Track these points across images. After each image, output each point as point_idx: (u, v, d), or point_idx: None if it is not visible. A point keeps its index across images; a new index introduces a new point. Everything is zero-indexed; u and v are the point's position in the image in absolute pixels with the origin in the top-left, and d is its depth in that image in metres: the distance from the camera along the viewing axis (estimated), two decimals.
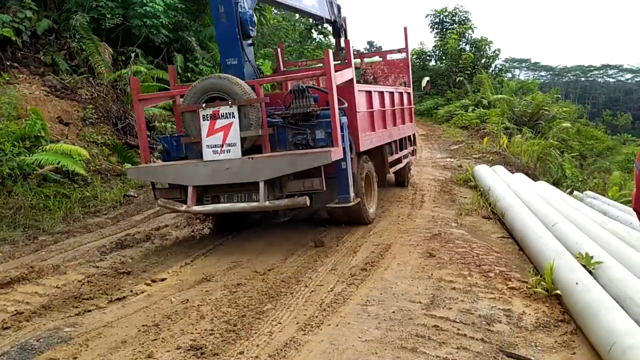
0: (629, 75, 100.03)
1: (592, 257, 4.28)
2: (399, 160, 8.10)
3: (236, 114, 5.24)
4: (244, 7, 5.72)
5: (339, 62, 8.06)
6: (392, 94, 8.00)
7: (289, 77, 6.45)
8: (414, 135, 9.69)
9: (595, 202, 8.50)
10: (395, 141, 7.96)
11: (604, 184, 9.94)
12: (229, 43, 5.71)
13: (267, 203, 5.18)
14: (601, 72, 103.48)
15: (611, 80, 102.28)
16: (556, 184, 10.94)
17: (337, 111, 5.30)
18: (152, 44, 12.81)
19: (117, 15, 12.05)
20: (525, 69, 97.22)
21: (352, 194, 5.56)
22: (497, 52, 26.22)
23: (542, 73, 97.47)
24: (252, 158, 5.22)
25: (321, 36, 43.20)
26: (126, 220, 6.89)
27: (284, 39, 36.87)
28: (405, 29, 9.80)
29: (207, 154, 5.34)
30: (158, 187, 5.81)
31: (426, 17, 27.15)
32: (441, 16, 26.70)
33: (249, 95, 5.28)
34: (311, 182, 5.18)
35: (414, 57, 27.01)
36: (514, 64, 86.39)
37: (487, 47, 25.92)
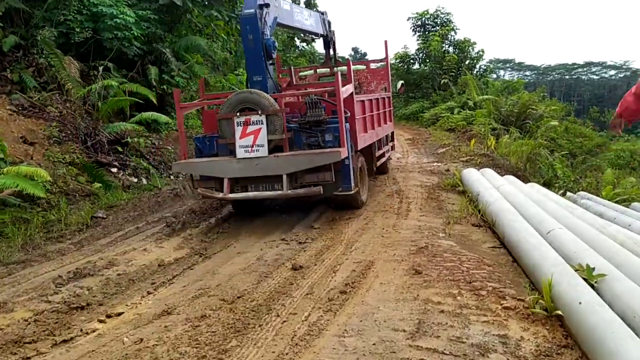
0: (612, 72, 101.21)
1: (593, 269, 3.87)
2: (382, 155, 9.87)
3: (264, 121, 6.58)
4: (267, 34, 6.96)
5: (328, 70, 10.40)
6: (377, 100, 9.39)
7: (305, 92, 7.56)
8: (392, 132, 11.40)
9: (589, 203, 8.13)
10: (380, 139, 9.53)
11: (597, 183, 9.61)
12: (256, 63, 7.01)
13: (289, 192, 6.47)
14: (585, 69, 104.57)
15: (595, 77, 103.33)
16: (547, 184, 10.58)
17: (344, 119, 6.69)
18: (125, 56, 12.35)
19: (87, 29, 11.59)
20: (509, 69, 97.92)
21: (353, 184, 6.99)
22: (481, 53, 26.04)
23: (527, 73, 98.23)
24: (277, 156, 6.57)
25: (304, 44, 43.08)
26: (91, 245, 6.39)
27: None
28: (385, 42, 11.09)
29: (240, 153, 6.64)
30: (196, 179, 7.18)
31: (408, 20, 26.97)
32: (423, 19, 26.49)
33: (274, 106, 6.65)
34: (323, 175, 6.51)
35: (397, 60, 26.77)
36: (499, 65, 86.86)
37: (470, 48, 25.73)
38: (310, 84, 9.93)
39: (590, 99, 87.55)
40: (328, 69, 10.61)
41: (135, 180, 9.56)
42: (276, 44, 7.30)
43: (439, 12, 26.21)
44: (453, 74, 23.74)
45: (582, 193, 8.96)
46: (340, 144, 6.64)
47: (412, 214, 7.17)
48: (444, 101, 22.33)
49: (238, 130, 6.63)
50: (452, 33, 25.80)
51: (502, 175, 9.97)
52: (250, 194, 6.71)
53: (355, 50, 75.08)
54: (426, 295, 4.01)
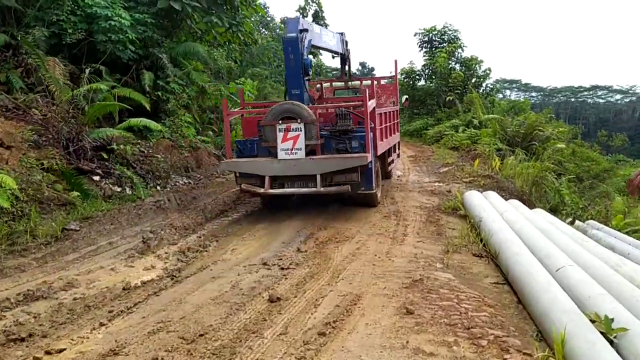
0: (618, 96, 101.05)
1: (612, 321, 3.32)
2: (392, 161, 11.13)
3: (302, 129, 7.65)
4: (305, 55, 8.06)
5: (343, 84, 11.70)
6: (391, 112, 10.65)
7: (336, 105, 8.63)
8: (399, 142, 12.70)
9: (600, 234, 7.55)
10: (391, 147, 10.71)
11: (606, 212, 9.05)
12: (295, 79, 8.10)
13: (322, 189, 7.55)
14: (591, 92, 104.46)
15: (601, 101, 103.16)
16: (554, 210, 10.01)
17: (369, 129, 7.89)
18: (119, 60, 11.91)
19: (80, 30, 11.16)
20: (516, 89, 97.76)
21: (374, 185, 8.29)
22: (488, 72, 25.55)
23: (533, 94, 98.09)
24: (313, 159, 7.62)
25: (310, 56, 42.79)
26: (55, 261, 5.85)
27: (273, 59, 36.45)
28: (395, 61, 12.78)
29: (281, 155, 7.68)
30: (239, 176, 8.05)
31: (415, 35, 26.55)
32: (430, 35, 26.07)
33: (311, 116, 7.69)
34: (351, 176, 7.61)
35: (403, 76, 26.34)
36: (505, 85, 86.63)
37: (477, 66, 25.26)
38: (339, 98, 11.22)
39: (595, 122, 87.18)
40: (343, 83, 11.81)
41: (119, 189, 9.04)
42: (312, 63, 8.59)
43: (446, 29, 25.81)
44: (459, 91, 23.26)
45: (591, 222, 8.40)
46: (366, 150, 7.82)
47: (408, 239, 6.62)
48: (449, 119, 21.83)
49: (280, 136, 7.69)
50: (459, 50, 25.38)
51: (506, 199, 9.43)
52: (288, 190, 7.83)
53: (362, 65, 75.05)
54: (417, 343, 3.45)
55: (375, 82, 11.98)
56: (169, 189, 9.91)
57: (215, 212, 8.55)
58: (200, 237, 6.99)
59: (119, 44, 11.46)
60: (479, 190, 9.92)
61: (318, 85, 11.99)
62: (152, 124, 9.97)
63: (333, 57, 11.52)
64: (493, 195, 8.85)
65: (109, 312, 4.27)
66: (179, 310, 4.24)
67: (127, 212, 7.87)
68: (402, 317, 3.91)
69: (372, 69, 78.48)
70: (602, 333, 3.21)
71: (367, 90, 8.38)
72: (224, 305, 4.29)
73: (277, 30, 42.39)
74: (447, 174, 12.54)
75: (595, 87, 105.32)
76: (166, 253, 6.21)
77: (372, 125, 8.19)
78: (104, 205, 8.16)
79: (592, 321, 3.37)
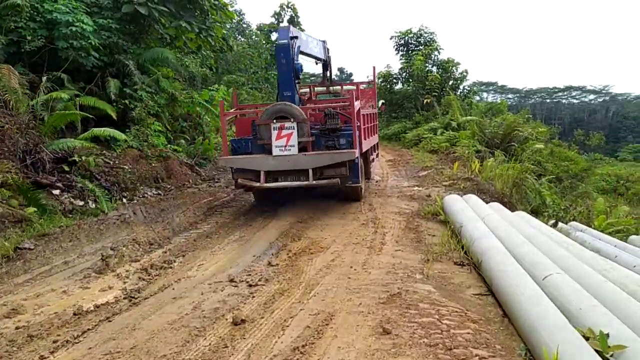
0: (592, 96, 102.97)
1: (608, 336, 3.00)
2: (372, 160, 11.67)
3: (295, 127, 8.15)
4: (295, 59, 8.61)
5: (324, 89, 12.15)
6: (371, 114, 11.45)
7: (325, 106, 9.23)
8: (377, 143, 13.14)
9: (585, 236, 7.31)
10: (371, 146, 11.22)
11: (588, 212, 8.85)
12: (287, 82, 8.64)
13: (313, 182, 8.17)
14: (565, 93, 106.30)
15: (575, 101, 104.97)
16: (535, 212, 9.79)
17: (356, 127, 8.52)
18: (83, 68, 11.40)
19: (40, 37, 10.62)
20: (492, 92, 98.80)
21: (360, 179, 8.90)
22: (465, 74, 25.52)
23: (509, 95, 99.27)
24: (305, 154, 8.20)
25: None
26: (4, 283, 5.35)
27: (249, 66, 36.07)
28: (374, 67, 14.69)
29: (275, 151, 8.16)
30: (235, 172, 8.70)
31: (391, 39, 26.42)
32: (406, 38, 25.96)
33: (303, 116, 8.22)
34: (340, 170, 8.26)
35: (380, 80, 26.17)
36: (482, 87, 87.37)
37: (454, 68, 25.20)
38: (326, 100, 11.72)
39: (570, 122, 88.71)
40: (324, 88, 12.24)
41: (81, 203, 8.52)
42: (303, 67, 9.23)
43: (422, 31, 25.73)
44: (436, 94, 23.14)
45: (574, 224, 8.17)
46: (353, 146, 8.41)
47: (386, 248, 6.27)
48: (427, 122, 21.67)
49: (274, 134, 8.19)
50: (436, 53, 25.30)
51: (487, 202, 9.18)
52: (282, 184, 8.38)
53: (340, 70, 75.22)
54: None
55: (355, 87, 12.51)
56: (136, 201, 9.41)
57: (184, 224, 8.10)
58: (165, 253, 6.54)
59: (82, 51, 10.95)
60: (459, 194, 9.65)
61: (305, 90, 12.35)
62: (116, 133, 9.49)
63: (316, 63, 11.02)
64: (473, 198, 8.58)
65: (53, 342, 3.82)
66: (131, 338, 3.81)
67: (87, 228, 7.37)
68: (379, 338, 3.55)
69: (351, 74, 78.71)
70: (597, 352, 2.89)
71: (353, 92, 9.45)
72: (182, 331, 3.88)
73: (254, 37, 42.04)
74: (427, 177, 12.26)
75: (569, 88, 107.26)
76: (127, 271, 5.75)
77: (358, 124, 8.78)
78: (64, 220, 7.64)
79: (586, 337, 3.05)
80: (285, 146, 8.22)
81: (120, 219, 7.90)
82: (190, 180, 12.16)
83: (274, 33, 41.67)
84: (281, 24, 9.22)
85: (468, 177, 11.61)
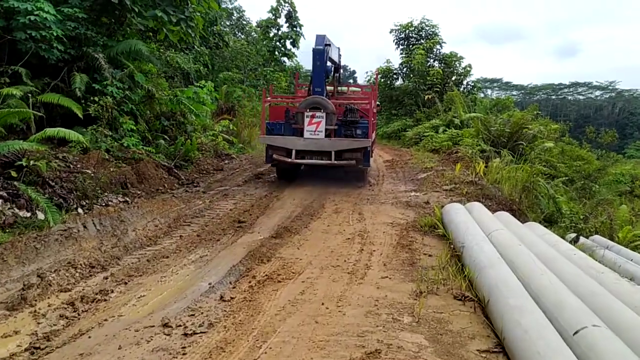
0: (598, 92, 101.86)
1: None
2: (372, 150, 12.22)
3: (324, 117, 10.03)
4: (326, 62, 10.83)
5: (333, 88, 12.79)
6: (375, 111, 13.05)
7: (347, 102, 10.96)
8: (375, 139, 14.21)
9: (614, 256, 6.14)
10: (373, 139, 12.22)
11: (611, 222, 7.70)
12: (319, 80, 10.61)
13: (335, 162, 10.05)
14: (571, 89, 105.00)
15: (581, 97, 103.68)
16: (549, 221, 8.64)
17: (371, 122, 10.69)
18: (48, 62, 10.31)
19: None
20: (497, 88, 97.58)
21: (369, 162, 10.93)
22: (468, 69, 24.30)
23: (514, 92, 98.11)
24: (330, 139, 10.08)
25: (285, 58, 41.51)
26: None
27: (247, 62, 34.98)
28: (376, 71, 18.65)
29: (306, 135, 10.06)
30: (271, 148, 10.47)
31: (391, 32, 25.21)
32: (407, 31, 24.74)
33: (332, 108, 10.15)
34: (356, 154, 10.12)
35: (380, 76, 25.02)
36: (486, 84, 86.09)
37: (457, 63, 24.01)
38: (348, 97, 13.15)
39: (576, 119, 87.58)
40: (332, 87, 13.05)
41: (27, 215, 7.41)
42: (331, 69, 11.86)
43: (423, 24, 24.50)
44: (438, 89, 21.95)
45: (596, 237, 7.01)
46: (368, 136, 10.27)
47: (371, 274, 5.14)
48: (429, 119, 20.51)
49: (306, 120, 10.05)
50: (438, 46, 24.09)
51: (493, 210, 8.05)
52: (308, 161, 10.32)
53: (344, 68, 74.18)
54: None
55: (359, 89, 15.37)
56: (95, 211, 8.30)
57: (141, 240, 6.99)
58: (106, 279, 5.42)
59: (43, 43, 9.87)
60: (461, 201, 8.50)
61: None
62: (71, 133, 8.35)
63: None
64: (478, 207, 7.43)
65: None
66: None
67: (22, 246, 6.24)
68: None
69: (354, 72, 77.90)
70: None
71: (370, 94, 12.49)
72: None
73: (253, 34, 40.95)
74: (426, 181, 11.11)
75: (575, 84, 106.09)
76: (48, 306, 4.64)
77: (373, 120, 11.12)
78: (1, 236, 6.54)
79: None
80: (315, 131, 10.10)
81: (65, 234, 6.77)
82: (166, 185, 11.03)
83: (271, 28, 40.61)
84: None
85: (472, 180, 10.46)
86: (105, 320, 4.26)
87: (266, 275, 5.20)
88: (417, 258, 5.72)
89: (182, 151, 13.35)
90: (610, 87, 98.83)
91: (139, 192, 10.02)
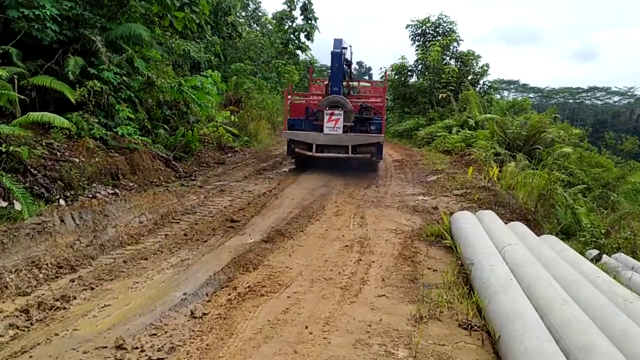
0: (616, 98, 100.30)
1: None
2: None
3: (342, 114, 10.97)
4: (343, 64, 11.98)
5: (345, 84, 13.05)
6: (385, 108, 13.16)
7: (362, 101, 11.85)
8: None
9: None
10: None
11: (634, 237, 7.02)
12: (337, 80, 11.63)
13: (351, 155, 11.00)
14: (589, 94, 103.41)
15: (599, 102, 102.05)
16: (566, 233, 7.97)
17: (384, 119, 11.83)
18: (42, 43, 9.80)
19: None
20: (514, 90, 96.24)
21: (382, 156, 12.03)
22: (486, 68, 23.45)
23: (531, 95, 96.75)
24: (348, 134, 11.04)
25: (299, 51, 40.91)
26: None
27: (260, 54, 34.45)
28: (385, 71, 21.30)
29: (326, 130, 11.00)
30: (293, 142, 11.46)
31: (407, 28, 24.46)
32: (423, 27, 23.98)
33: (350, 107, 11.13)
34: (371, 149, 11.09)
35: (393, 72, 24.31)
36: (503, 86, 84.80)
37: (474, 62, 23.20)
38: (361, 95, 14.15)
39: (593, 124, 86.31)
40: (345, 83, 13.68)
41: (4, 204, 6.92)
42: (348, 71, 13.35)
43: (441, 20, 23.71)
44: (453, 88, 21.18)
45: (620, 256, 6.35)
46: (381, 132, 11.20)
47: (367, 290, 4.54)
48: (442, 119, 19.78)
49: (326, 117, 10.89)
50: (455, 44, 23.29)
51: (507, 219, 7.42)
52: (327, 154, 11.03)
53: (359, 64, 73.82)
54: None
55: (369, 84, 16.51)
56: (79, 202, 7.78)
57: (122, 237, 6.45)
58: (72, 282, 4.88)
59: (37, 22, 9.37)
60: (471, 209, 7.87)
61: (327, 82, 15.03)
62: (56, 118, 7.81)
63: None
64: (490, 216, 6.78)
65: None
66: None
67: None
68: None
69: (370, 68, 77.29)
70: None
71: (383, 93, 13.10)
72: None
73: (268, 26, 40.42)
74: (436, 184, 10.46)
75: (593, 89, 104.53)
76: (0, 312, 4.11)
77: (385, 117, 12.30)
78: None
79: None
80: (334, 127, 10.99)
81: (38, 229, 6.24)
82: (161, 178, 10.51)
83: (286, 20, 40.01)
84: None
85: (484, 185, 9.81)
86: (57, 334, 3.72)
87: (249, 286, 4.62)
88: (420, 273, 5.11)
89: (182, 142, 12.83)
90: (629, 93, 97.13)
91: (130, 184, 9.51)
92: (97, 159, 9.28)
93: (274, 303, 4.22)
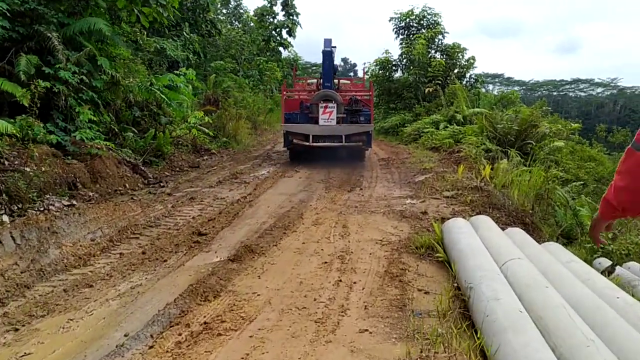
0: (599, 89, 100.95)
1: None
2: None
3: (335, 107, 12.02)
4: (334, 62, 13.46)
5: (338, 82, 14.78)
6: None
7: (352, 94, 13.02)
8: None
9: None
10: None
11: None
12: (328, 77, 12.94)
13: (345, 143, 12.00)
14: (573, 86, 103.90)
15: (582, 94, 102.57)
16: (567, 237, 7.29)
17: (372, 111, 13.00)
18: None
19: None
20: (498, 84, 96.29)
21: (371, 145, 12.97)
22: (472, 61, 22.82)
23: (516, 88, 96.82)
24: (340, 125, 12.08)
25: (281, 47, 40.01)
26: None
27: (241, 52, 33.56)
28: (364, 69, 23.24)
29: (321, 122, 12.04)
30: (291, 134, 12.35)
31: (390, 21, 23.72)
32: (407, 20, 23.27)
33: (341, 100, 12.24)
34: (362, 137, 12.20)
35: (377, 67, 23.59)
36: (487, 79, 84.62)
37: (460, 55, 22.55)
38: (351, 90, 14.74)
39: (577, 115, 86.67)
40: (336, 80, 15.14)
41: None
42: (338, 68, 14.73)
43: (425, 13, 23.01)
44: (439, 82, 20.50)
45: (631, 265, 5.67)
46: (370, 122, 12.44)
47: (346, 324, 3.79)
48: (429, 114, 19.10)
49: (321, 110, 11.98)
50: (440, 37, 22.62)
51: (502, 224, 6.75)
52: (323, 144, 12.05)
53: (344, 60, 73.42)
54: None
55: (349, 82, 17.04)
56: (25, 218, 6.92)
57: (69, 259, 5.63)
58: None
59: None
60: (464, 214, 7.16)
61: (310, 81, 16.68)
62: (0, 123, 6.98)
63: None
64: (485, 222, 6.06)
65: None
66: None
67: None
68: None
69: (355, 65, 76.99)
70: None
71: (372, 87, 14.67)
72: None
73: (251, 24, 39.59)
74: (424, 185, 9.74)
75: (577, 81, 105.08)
76: None
77: (371, 108, 12.87)
78: None
79: None
80: (328, 119, 11.96)
81: None
82: (127, 185, 9.67)
83: (267, 16, 39.09)
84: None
85: (477, 185, 9.10)
86: None
87: (205, 322, 3.84)
88: (409, 297, 4.37)
89: (153, 145, 11.98)
90: (612, 84, 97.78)
91: (90, 194, 8.65)
92: (51, 167, 8.42)
93: (233, 346, 3.45)
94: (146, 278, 4.99)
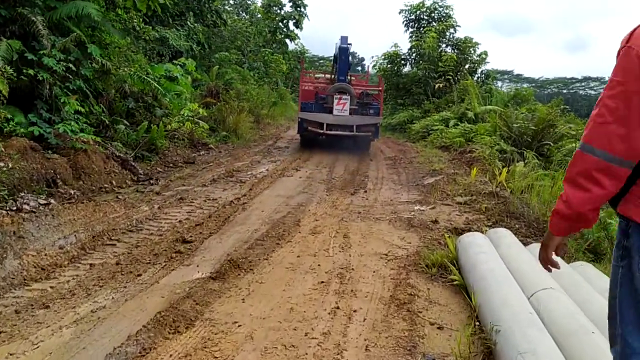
0: None
1: None
2: None
3: (349, 99, 13.12)
4: (348, 57, 14.38)
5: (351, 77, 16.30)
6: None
7: (362, 89, 14.42)
8: None
9: None
10: None
11: None
12: (343, 72, 13.86)
13: (356, 132, 13.19)
14: (583, 84, 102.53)
15: (593, 92, 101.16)
16: (593, 253, 6.53)
17: (382, 104, 14.51)
18: None
19: None
20: (507, 80, 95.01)
21: (379, 135, 14.27)
22: (484, 56, 21.97)
23: (525, 85, 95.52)
24: (352, 116, 13.16)
25: (287, 39, 39.22)
26: None
27: (246, 43, 32.78)
28: (370, 64, 24.29)
29: (335, 112, 13.09)
30: (307, 122, 13.38)
31: (400, 13, 22.87)
32: (417, 12, 22.40)
33: (354, 93, 13.39)
34: (371, 128, 13.41)
35: (386, 61, 22.76)
36: (497, 76, 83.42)
37: (472, 49, 21.68)
38: (361, 84, 15.97)
39: (587, 114, 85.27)
40: (333, 76, 16.18)
41: None
42: (351, 62, 17.11)
43: (436, 5, 22.13)
44: (450, 77, 19.67)
45: None
46: (379, 115, 13.92)
47: None
48: (438, 111, 18.29)
49: (335, 101, 13.15)
50: (451, 30, 21.74)
51: (522, 236, 6.02)
52: (335, 132, 13.20)
53: (353, 55, 72.75)
54: None
55: (353, 78, 16.87)
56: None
57: (29, 271, 4.93)
58: None
59: None
60: (480, 223, 6.41)
61: (317, 75, 18.38)
62: None
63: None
64: (506, 239, 5.31)
65: None
66: None
67: None
68: None
69: (362, 59, 76.18)
70: None
71: (382, 82, 16.55)
72: None
73: (258, 15, 38.85)
74: (434, 188, 8.99)
75: (587, 79, 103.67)
76: None
77: (381, 102, 14.39)
78: None
79: None
80: (342, 109, 12.98)
81: None
82: (114, 182, 8.97)
83: (274, 8, 38.30)
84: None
85: (492, 190, 8.34)
86: None
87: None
88: (419, 334, 3.64)
89: (146, 139, 11.28)
90: None
91: (71, 192, 7.95)
92: (29, 162, 7.73)
93: None
94: (112, 298, 4.28)
